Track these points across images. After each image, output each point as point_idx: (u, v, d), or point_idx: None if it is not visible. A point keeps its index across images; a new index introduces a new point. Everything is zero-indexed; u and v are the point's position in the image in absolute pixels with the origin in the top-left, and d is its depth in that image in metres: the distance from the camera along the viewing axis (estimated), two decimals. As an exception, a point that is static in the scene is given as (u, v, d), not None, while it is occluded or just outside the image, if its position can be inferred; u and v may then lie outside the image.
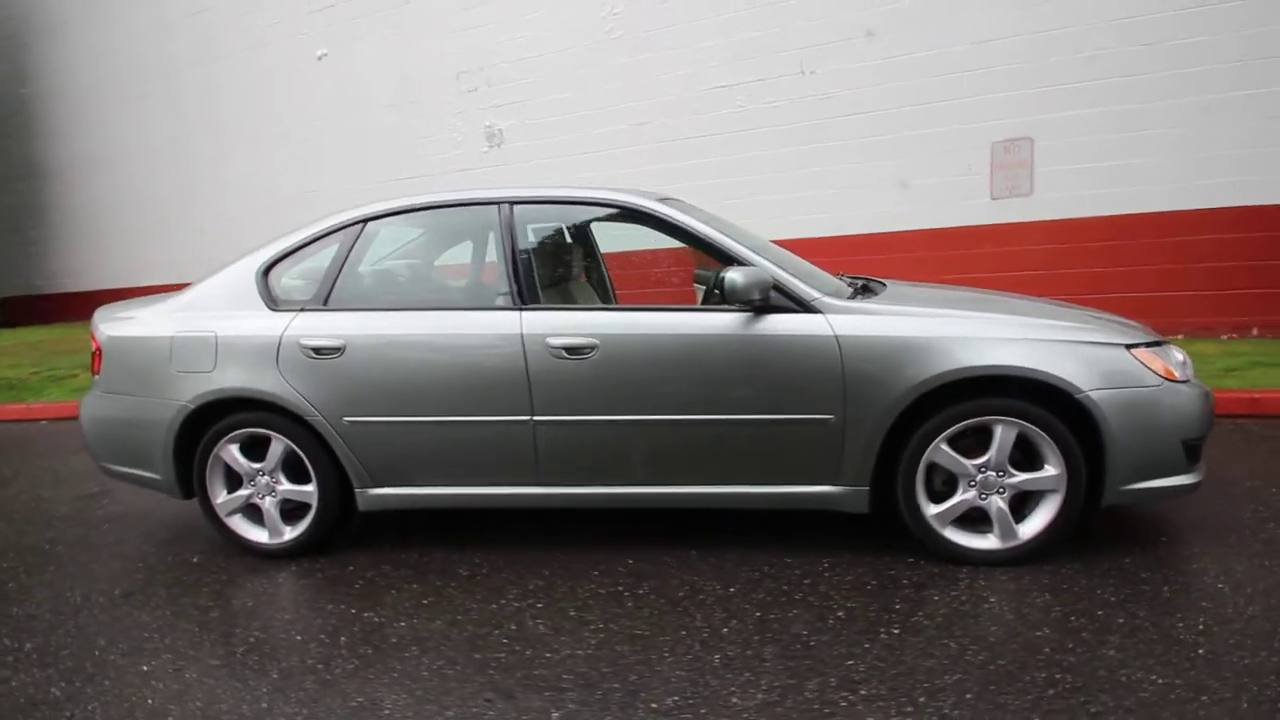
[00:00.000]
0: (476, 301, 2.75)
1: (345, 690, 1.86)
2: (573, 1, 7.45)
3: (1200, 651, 1.81)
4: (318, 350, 2.54)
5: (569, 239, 3.20)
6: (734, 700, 1.73)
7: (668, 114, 7.16)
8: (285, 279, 2.75)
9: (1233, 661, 1.76)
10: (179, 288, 2.88)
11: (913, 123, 6.18)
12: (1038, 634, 1.93)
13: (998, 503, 2.30)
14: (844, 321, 2.30)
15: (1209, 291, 5.47)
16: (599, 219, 2.86)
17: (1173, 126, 5.40)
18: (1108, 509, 2.30)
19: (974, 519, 2.34)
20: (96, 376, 2.82)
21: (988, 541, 2.33)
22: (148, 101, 11.01)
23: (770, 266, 2.37)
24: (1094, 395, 2.18)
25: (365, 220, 2.69)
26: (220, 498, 2.70)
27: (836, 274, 2.87)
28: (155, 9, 10.71)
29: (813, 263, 2.81)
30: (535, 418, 2.44)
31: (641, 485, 2.47)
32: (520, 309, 2.48)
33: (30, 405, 5.89)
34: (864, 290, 2.68)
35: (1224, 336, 5.46)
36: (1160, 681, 1.70)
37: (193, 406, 2.60)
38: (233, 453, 2.65)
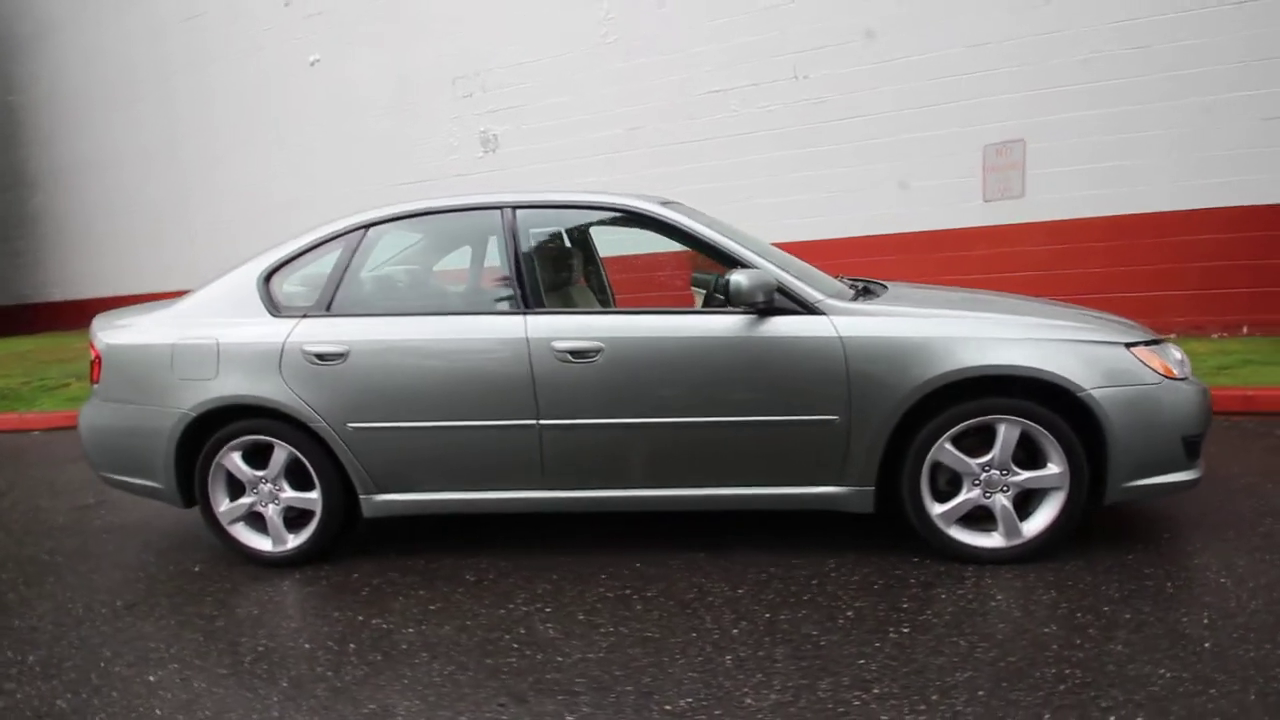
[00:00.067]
0: (480, 306, 2.75)
1: (357, 697, 1.85)
2: (568, 7, 7.48)
3: (1206, 645, 1.83)
4: (321, 356, 2.53)
5: (571, 243, 3.21)
6: (748, 701, 1.73)
7: (663, 119, 7.19)
8: (287, 285, 2.74)
9: (1238, 655, 1.79)
10: (172, 295, 2.86)
11: (907, 126, 6.24)
12: (1045, 630, 1.95)
13: (1002, 501, 2.32)
14: (848, 323, 2.32)
15: (1200, 291, 5.54)
16: (602, 222, 2.87)
17: (1167, 128, 5.47)
18: (1108, 506, 2.32)
19: (978, 518, 2.36)
20: (95, 385, 2.80)
21: (992, 540, 2.34)
22: (139, 107, 10.95)
23: (774, 269, 2.38)
24: (1096, 394, 2.21)
25: (367, 226, 2.69)
26: (222, 506, 2.68)
27: (836, 276, 2.89)
28: (147, 14, 10.67)
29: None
30: (541, 421, 2.44)
31: (647, 488, 2.48)
32: (525, 313, 2.48)
33: (23, 415, 5.82)
34: (865, 292, 2.70)
35: (1215, 335, 5.53)
36: (1168, 675, 1.72)
37: (194, 414, 2.59)
38: (235, 460, 2.64)
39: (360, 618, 2.27)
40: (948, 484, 2.38)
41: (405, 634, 2.16)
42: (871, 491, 2.36)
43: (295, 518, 2.69)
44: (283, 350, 2.55)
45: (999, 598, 2.14)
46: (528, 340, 2.43)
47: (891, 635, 1.98)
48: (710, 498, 2.47)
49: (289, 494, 2.65)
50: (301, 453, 2.58)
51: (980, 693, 1.70)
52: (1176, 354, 2.41)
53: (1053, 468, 2.27)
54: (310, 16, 9.09)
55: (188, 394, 2.60)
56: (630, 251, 3.93)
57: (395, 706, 1.80)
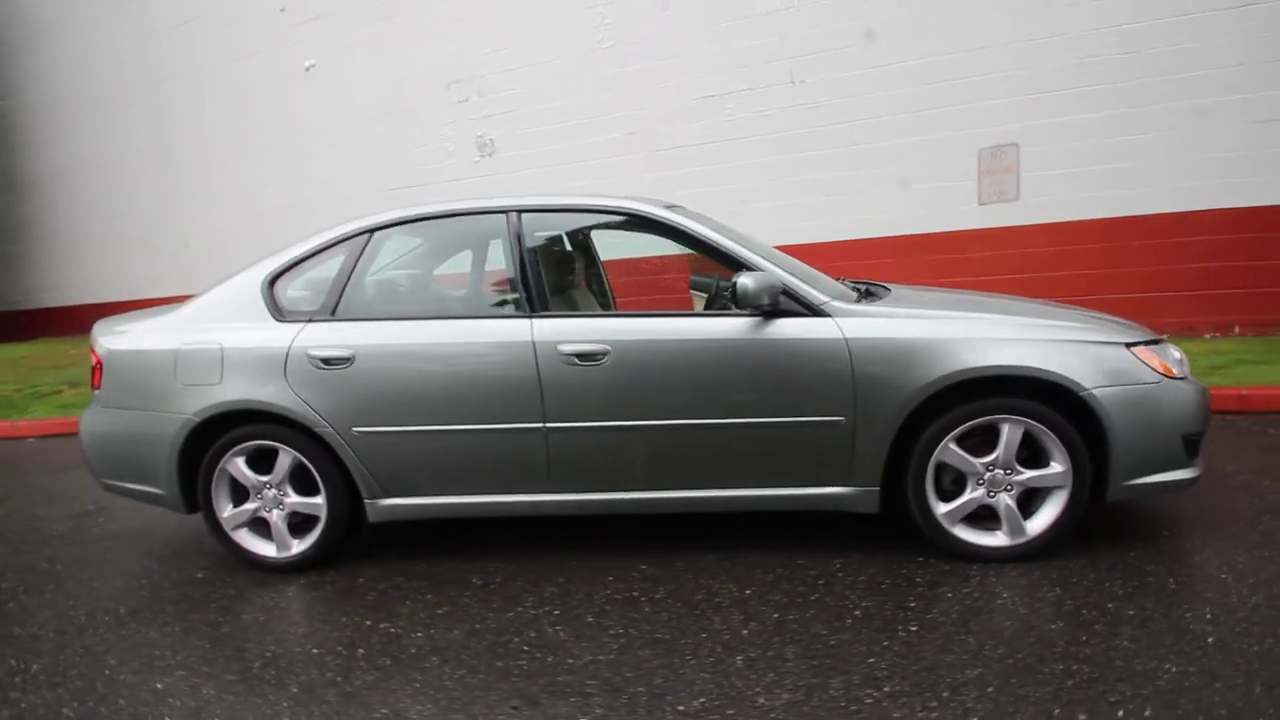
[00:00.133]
0: (487, 309, 2.76)
1: (368, 702, 1.85)
2: (564, 11, 7.51)
3: (1210, 640, 1.86)
4: (327, 361, 2.53)
5: (574, 246, 3.22)
6: (760, 700, 1.74)
7: (659, 123, 7.22)
8: (291, 290, 2.73)
9: (1242, 649, 1.81)
10: (167, 301, 2.85)
11: (903, 130, 6.29)
12: (1051, 627, 1.97)
13: (1006, 500, 2.34)
14: (853, 325, 2.34)
15: (1193, 292, 5.61)
16: (608, 226, 2.89)
17: (1162, 131, 5.54)
18: (1108, 505, 2.34)
19: (982, 517, 2.38)
20: (96, 391, 2.78)
21: (996, 539, 2.37)
22: (132, 112, 10.90)
23: (779, 271, 2.40)
24: (1097, 393, 2.24)
25: (372, 230, 2.69)
26: (226, 512, 2.67)
27: (838, 278, 2.91)
28: (140, 19, 10.63)
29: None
30: (547, 424, 2.44)
31: (653, 490, 2.48)
32: (531, 316, 2.49)
33: (16, 423, 5.77)
34: (868, 294, 2.73)
35: (1207, 335, 5.60)
36: (1174, 670, 1.74)
37: (198, 420, 2.58)
38: (239, 466, 2.62)
39: (368, 622, 2.26)
40: (952, 483, 2.40)
41: (414, 638, 2.15)
42: (877, 491, 2.38)
43: (299, 523, 2.68)
44: (288, 355, 2.55)
45: (1004, 596, 2.16)
46: (534, 344, 2.43)
47: (900, 634, 1.99)
48: (716, 499, 2.48)
49: (293, 499, 2.64)
50: (306, 458, 2.58)
51: (990, 689, 1.72)
52: (1175, 353, 2.45)
53: (1055, 466, 2.30)
54: (305, 21, 9.09)
55: (191, 399, 2.59)
56: (628, 255, 3.95)
57: (408, 710, 1.80)
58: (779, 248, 2.89)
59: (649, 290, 4.49)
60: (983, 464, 2.32)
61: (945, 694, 1.72)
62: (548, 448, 2.46)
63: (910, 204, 6.35)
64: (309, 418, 2.52)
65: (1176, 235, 5.60)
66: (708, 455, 2.43)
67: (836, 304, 2.40)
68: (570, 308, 2.92)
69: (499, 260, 2.73)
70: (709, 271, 2.82)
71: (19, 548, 3.17)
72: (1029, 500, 2.37)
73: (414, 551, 2.79)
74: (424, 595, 2.43)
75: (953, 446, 2.32)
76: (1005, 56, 5.90)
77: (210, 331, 2.64)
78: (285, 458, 2.60)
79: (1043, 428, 2.27)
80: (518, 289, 2.55)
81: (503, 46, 7.87)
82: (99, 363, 2.78)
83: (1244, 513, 2.63)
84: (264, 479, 2.63)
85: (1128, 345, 2.33)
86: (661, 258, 3.95)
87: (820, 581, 2.32)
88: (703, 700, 1.76)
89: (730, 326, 2.39)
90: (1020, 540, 2.34)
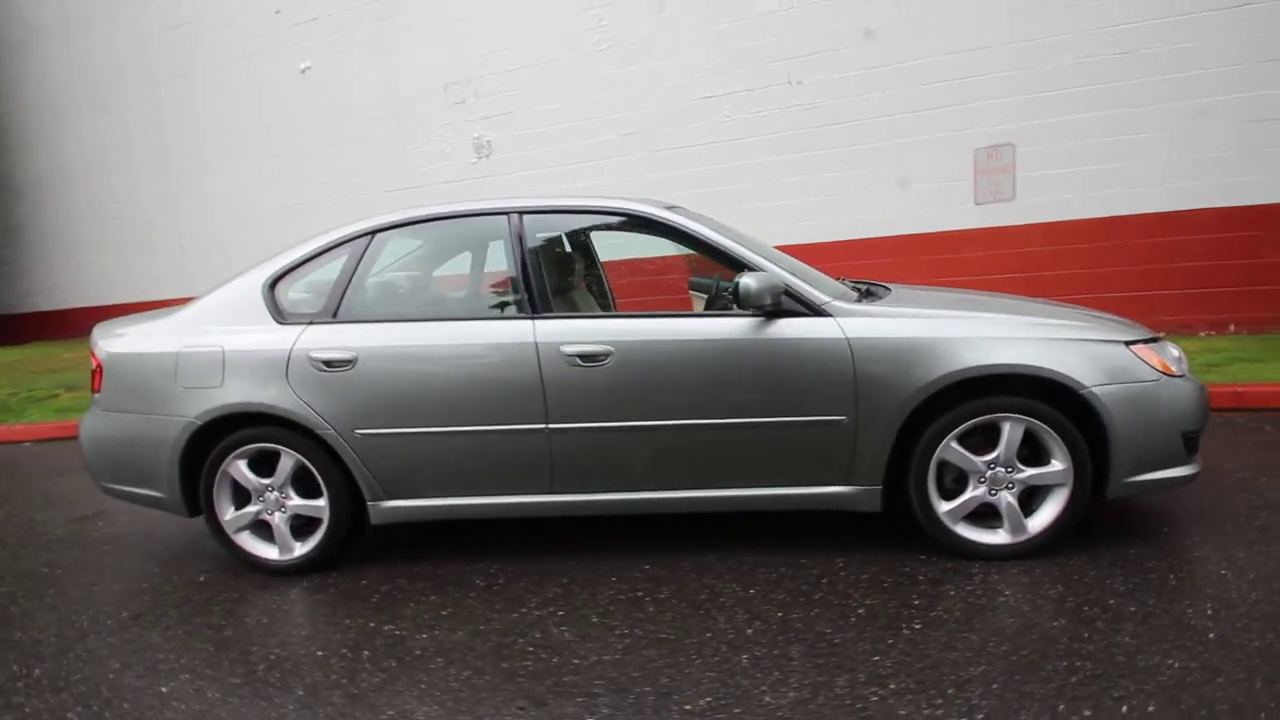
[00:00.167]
0: (488, 311, 2.76)
1: (375, 704, 1.85)
2: (561, 13, 7.52)
3: (1211, 636, 1.87)
4: (329, 363, 2.52)
5: (575, 247, 3.23)
6: (767, 699, 1.75)
7: (656, 124, 7.23)
8: (292, 292, 2.73)
9: (1243, 644, 1.83)
10: (163, 304, 2.85)
11: (899, 130, 6.32)
12: (1054, 624, 1.98)
13: (1007, 498, 2.35)
14: (854, 324, 2.35)
15: (1188, 290, 5.65)
16: (609, 227, 2.89)
17: (1159, 131, 5.57)
18: (1108, 502, 2.36)
19: (983, 515, 2.40)
20: (96, 394, 2.77)
21: (998, 536, 2.38)
22: (128, 114, 10.86)
23: (781, 272, 2.41)
24: (1098, 391, 2.25)
25: (374, 232, 2.69)
26: (228, 515, 2.66)
27: (838, 278, 2.92)
28: (136, 20, 10.59)
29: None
30: (550, 425, 2.45)
31: (656, 490, 2.49)
32: (533, 317, 2.50)
33: (12, 427, 5.74)
34: (868, 294, 2.74)
35: (1203, 334, 5.63)
36: (1176, 665, 1.76)
37: (199, 423, 2.57)
38: (241, 469, 2.62)
39: (372, 624, 2.26)
40: (953, 482, 2.41)
41: (419, 640, 2.15)
42: (879, 490, 2.39)
43: (301, 526, 2.67)
44: (289, 357, 2.55)
45: (1007, 593, 2.17)
46: (536, 345, 2.44)
47: (904, 631, 2.00)
48: (719, 499, 2.49)
49: (296, 502, 2.63)
50: (309, 460, 2.57)
51: (994, 686, 1.73)
52: (1174, 351, 2.47)
53: (1056, 464, 2.31)
54: (303, 23, 9.07)
55: (192, 402, 2.58)
56: (627, 256, 3.96)
57: (414, 712, 1.80)
58: (777, 248, 2.90)
59: (649, 291, 4.50)
60: (984, 462, 2.34)
61: (950, 691, 1.73)
62: (550, 449, 2.46)
63: (907, 204, 6.37)
64: (311, 420, 2.52)
65: (1172, 234, 5.63)
66: (710, 455, 2.44)
67: (838, 304, 2.41)
68: (571, 309, 2.92)
69: (499, 262, 2.73)
70: (708, 272, 2.83)
71: (18, 552, 3.16)
72: (1030, 498, 2.38)
73: (417, 553, 2.79)
74: (428, 597, 2.43)
75: (954, 445, 2.33)
76: (1003, 57, 5.92)
77: (211, 334, 2.64)
78: (287, 460, 2.59)
79: (1044, 426, 2.29)
80: (519, 290, 2.56)
81: (500, 48, 7.87)
82: (99, 366, 2.77)
83: (1242, 509, 2.65)
84: (266, 482, 2.62)
85: (1127, 343, 2.35)
86: (662, 258, 3.96)
87: (823, 580, 2.33)
88: (709, 699, 1.76)
89: (732, 327, 2.39)
90: (1022, 538, 2.36)
